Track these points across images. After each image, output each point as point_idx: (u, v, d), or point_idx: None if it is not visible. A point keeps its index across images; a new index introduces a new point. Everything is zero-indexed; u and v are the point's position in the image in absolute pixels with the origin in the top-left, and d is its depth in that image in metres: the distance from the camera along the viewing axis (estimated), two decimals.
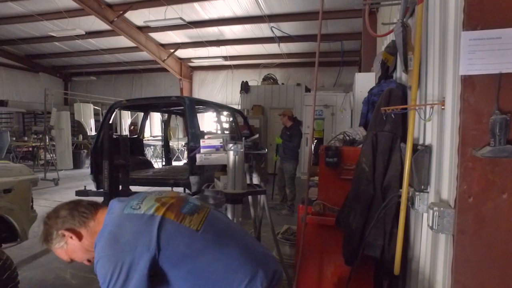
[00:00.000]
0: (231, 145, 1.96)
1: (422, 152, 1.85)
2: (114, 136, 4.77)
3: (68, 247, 1.26)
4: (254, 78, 13.01)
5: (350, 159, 2.38)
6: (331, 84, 13.62)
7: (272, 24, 10.64)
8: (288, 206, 6.41)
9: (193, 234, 1.21)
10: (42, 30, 12.42)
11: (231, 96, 14.70)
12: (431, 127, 1.80)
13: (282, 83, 12.33)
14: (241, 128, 6.79)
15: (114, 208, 1.28)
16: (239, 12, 10.38)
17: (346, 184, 2.33)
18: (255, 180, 2.47)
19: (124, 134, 11.36)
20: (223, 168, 3.10)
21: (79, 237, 1.25)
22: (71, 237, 1.25)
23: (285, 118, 6.65)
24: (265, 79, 11.87)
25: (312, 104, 2.28)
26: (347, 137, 2.68)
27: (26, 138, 12.52)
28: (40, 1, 10.29)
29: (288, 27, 10.92)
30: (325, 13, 10.09)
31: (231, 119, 7.47)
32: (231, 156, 1.96)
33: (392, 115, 1.91)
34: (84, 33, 11.90)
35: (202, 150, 2.20)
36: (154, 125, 14.88)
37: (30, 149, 11.75)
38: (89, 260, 1.31)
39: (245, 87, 11.23)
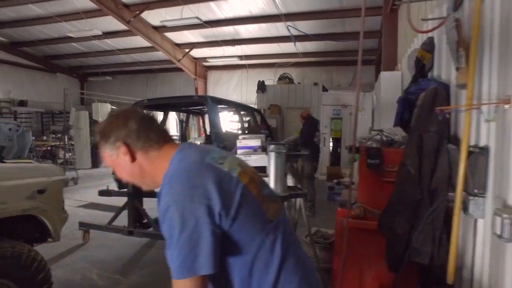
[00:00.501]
0: (272, 146, 1.88)
1: (477, 154, 1.75)
2: None
3: (117, 160, 1.13)
4: (269, 78, 12.93)
5: (391, 160, 2.29)
6: (347, 83, 13.45)
7: (288, 23, 10.54)
8: (309, 207, 6.31)
9: (266, 223, 1.04)
10: (60, 31, 12.60)
11: (246, 95, 14.65)
12: (488, 128, 1.70)
13: (299, 83, 12.22)
14: (259, 127, 6.73)
15: (188, 152, 1.11)
16: (255, 11, 10.32)
17: (387, 187, 2.24)
18: (290, 182, 2.40)
19: None
20: None
21: (133, 158, 1.11)
22: (124, 154, 1.11)
23: (300, 118, 6.91)
24: (281, 78, 11.78)
25: (355, 104, 2.19)
26: (385, 138, 2.58)
27: (45, 138, 12.71)
28: (59, 3, 10.44)
29: (305, 26, 10.80)
30: (344, 11, 9.95)
31: (248, 118, 7.41)
32: (273, 157, 1.88)
33: (447, 115, 1.81)
34: (101, 33, 12.03)
35: (238, 151, 2.13)
36: (169, 124, 14.95)
37: (49, 148, 11.91)
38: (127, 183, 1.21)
39: (261, 87, 11.16)
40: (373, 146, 2.58)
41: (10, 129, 7.95)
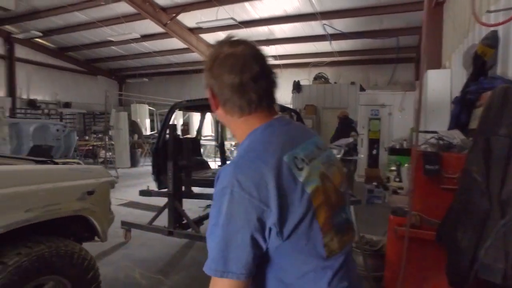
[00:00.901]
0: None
1: None
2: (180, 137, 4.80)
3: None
4: (304, 77, 12.76)
5: (452, 166, 2.11)
6: (385, 82, 13.00)
7: (324, 22, 10.34)
8: None
9: (319, 259, 0.88)
10: (101, 36, 13.20)
11: (280, 95, 14.40)
12: None
13: (335, 82, 11.96)
14: None
15: (273, 135, 0.93)
16: (290, 10, 10.22)
17: (447, 195, 2.07)
18: None
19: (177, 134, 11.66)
20: None
21: (216, 106, 0.99)
22: (210, 95, 0.98)
23: (337, 118, 7.18)
24: (316, 78, 11.57)
25: (417, 107, 2.04)
26: (441, 141, 2.39)
27: (87, 138, 13.34)
28: (101, 9, 10.93)
29: (341, 24, 10.57)
30: (381, 8, 9.61)
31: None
32: None
33: None
34: (139, 36, 12.46)
35: None
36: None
37: (91, 147, 12.50)
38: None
39: (297, 87, 11.02)
40: (427, 150, 2.41)
41: (57, 130, 8.41)
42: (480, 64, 2.74)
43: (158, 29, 11.67)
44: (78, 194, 2.36)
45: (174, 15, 10.85)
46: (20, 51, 14.65)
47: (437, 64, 6.64)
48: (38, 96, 15.41)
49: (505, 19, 2.03)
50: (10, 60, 14.35)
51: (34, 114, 14.51)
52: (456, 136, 2.40)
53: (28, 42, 14.56)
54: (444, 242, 2.02)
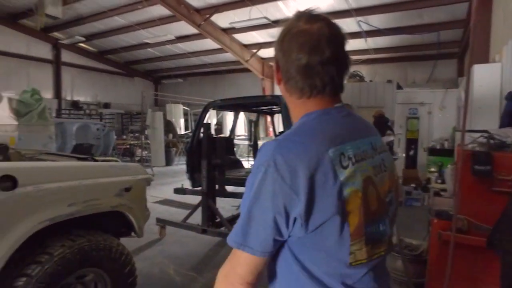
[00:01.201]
0: None
1: None
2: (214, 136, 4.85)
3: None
4: None
5: (505, 167, 1.94)
6: (424, 79, 12.43)
7: (359, 18, 10.03)
8: None
9: (341, 266, 0.83)
10: (138, 38, 13.70)
11: None
12: None
13: (370, 80, 11.60)
14: None
15: (324, 124, 0.87)
16: (324, 7, 9.99)
17: (499, 198, 1.91)
18: None
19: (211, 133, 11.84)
20: None
21: (278, 81, 0.95)
22: (276, 68, 0.94)
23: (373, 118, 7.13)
24: (351, 76, 11.26)
25: (464, 105, 1.90)
26: (492, 140, 2.21)
27: (124, 137, 13.89)
28: (138, 12, 11.34)
29: (377, 20, 10.21)
30: (421, 1, 9.17)
31: None
32: None
33: None
34: (174, 38, 12.78)
35: None
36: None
37: (128, 146, 12.99)
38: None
39: None
40: (476, 149, 2.24)
41: (97, 129, 8.83)
42: None
43: (192, 30, 11.90)
44: (116, 190, 2.43)
45: (207, 16, 11.01)
46: (66, 56, 15.59)
47: (484, 58, 6.22)
48: (81, 97, 16.30)
49: None
50: (57, 64, 15.34)
51: (76, 114, 15.37)
52: (510, 135, 2.21)
53: (73, 47, 15.48)
54: (497, 250, 1.86)
